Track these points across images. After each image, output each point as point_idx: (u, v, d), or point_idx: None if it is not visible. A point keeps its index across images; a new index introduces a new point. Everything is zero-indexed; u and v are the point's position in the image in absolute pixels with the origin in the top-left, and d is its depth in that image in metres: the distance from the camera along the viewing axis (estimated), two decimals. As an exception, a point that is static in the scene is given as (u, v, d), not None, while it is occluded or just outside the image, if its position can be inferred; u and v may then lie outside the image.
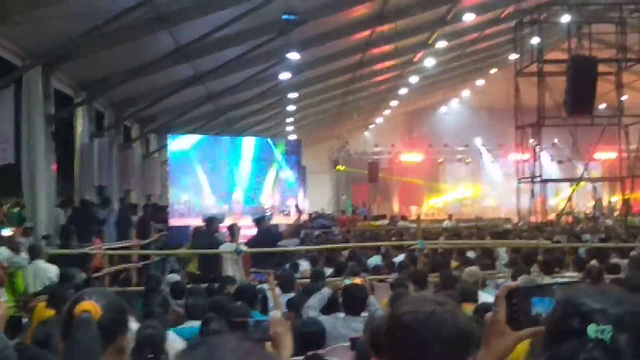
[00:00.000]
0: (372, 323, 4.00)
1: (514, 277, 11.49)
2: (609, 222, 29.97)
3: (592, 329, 1.84)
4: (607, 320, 1.86)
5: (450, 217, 39.76)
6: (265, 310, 8.85)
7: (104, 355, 2.96)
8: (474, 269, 11.50)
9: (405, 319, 2.66)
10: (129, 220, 21.92)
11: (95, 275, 14.88)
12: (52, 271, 13.59)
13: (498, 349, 2.41)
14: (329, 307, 8.59)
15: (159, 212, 23.82)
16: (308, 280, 11.98)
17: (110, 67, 20.55)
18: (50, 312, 8.26)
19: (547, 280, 7.74)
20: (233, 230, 14.77)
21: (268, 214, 21.31)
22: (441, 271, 11.64)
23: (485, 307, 7.73)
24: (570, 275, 12.54)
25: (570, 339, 1.88)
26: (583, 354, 1.83)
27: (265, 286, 9.97)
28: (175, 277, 11.94)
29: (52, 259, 14.36)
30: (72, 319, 2.98)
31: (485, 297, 9.32)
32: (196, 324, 7.89)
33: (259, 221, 17.21)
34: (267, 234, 16.66)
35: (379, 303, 8.86)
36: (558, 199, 39.84)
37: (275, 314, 7.87)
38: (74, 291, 8.18)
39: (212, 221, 17.07)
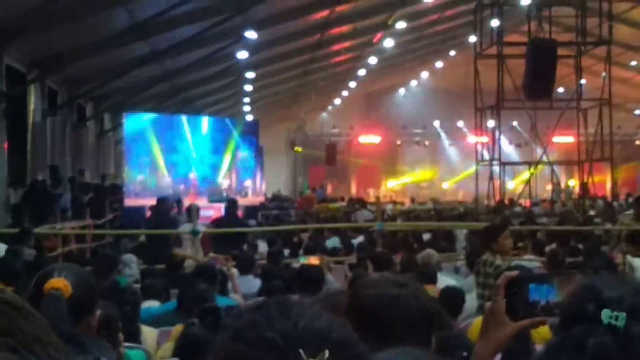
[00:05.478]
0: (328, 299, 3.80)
1: (468, 258, 11.46)
2: (566, 206, 30.03)
3: (605, 314, 1.77)
4: (622, 308, 1.79)
5: (412, 200, 39.72)
6: (223, 291, 8.65)
7: None
8: (430, 251, 11.44)
9: (369, 303, 2.66)
10: (81, 200, 21.54)
11: (50, 255, 14.54)
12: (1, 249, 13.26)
13: (496, 340, 2.39)
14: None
15: (114, 191, 23.45)
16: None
17: (65, 43, 20.08)
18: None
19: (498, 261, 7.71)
20: (191, 210, 14.49)
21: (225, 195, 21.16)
22: (402, 254, 11.50)
23: (449, 292, 7.61)
24: (529, 258, 12.53)
25: (583, 323, 1.82)
26: (593, 338, 1.76)
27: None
28: (132, 257, 11.67)
29: (2, 239, 14.00)
30: (40, 295, 2.88)
31: (443, 280, 9.22)
32: (154, 304, 7.69)
33: (232, 202, 17.07)
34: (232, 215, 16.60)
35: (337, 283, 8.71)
36: (516, 182, 39.94)
37: (237, 298, 7.70)
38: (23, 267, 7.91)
39: (162, 202, 16.82)
